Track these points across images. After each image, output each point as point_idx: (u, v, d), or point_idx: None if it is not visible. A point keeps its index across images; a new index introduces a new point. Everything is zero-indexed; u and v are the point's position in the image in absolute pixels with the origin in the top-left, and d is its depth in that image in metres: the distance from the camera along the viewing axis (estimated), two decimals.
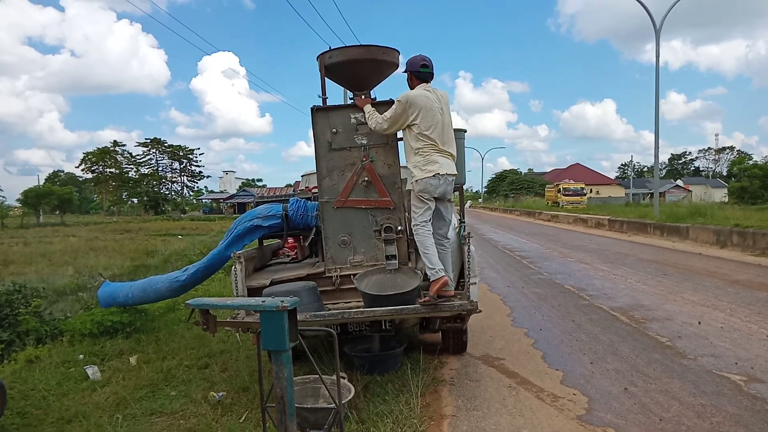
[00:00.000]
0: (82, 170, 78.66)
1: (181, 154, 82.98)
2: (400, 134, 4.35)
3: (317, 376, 4.01)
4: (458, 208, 5.26)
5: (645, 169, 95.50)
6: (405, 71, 4.36)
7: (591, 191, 56.06)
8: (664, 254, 12.14)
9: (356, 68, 4.57)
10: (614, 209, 28.01)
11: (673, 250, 13.03)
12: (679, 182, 76.77)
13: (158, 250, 18.01)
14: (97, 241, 24.02)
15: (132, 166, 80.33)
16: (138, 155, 79.71)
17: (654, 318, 6.10)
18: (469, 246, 4.20)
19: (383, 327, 4.36)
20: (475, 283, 4.27)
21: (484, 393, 4.08)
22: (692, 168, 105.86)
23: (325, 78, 4.62)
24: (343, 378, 3.93)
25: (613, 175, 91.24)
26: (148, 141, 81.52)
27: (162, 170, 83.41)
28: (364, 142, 4.43)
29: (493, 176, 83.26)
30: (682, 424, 3.41)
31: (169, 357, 5.26)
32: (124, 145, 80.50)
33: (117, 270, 12.62)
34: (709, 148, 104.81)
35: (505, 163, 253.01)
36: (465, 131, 4.74)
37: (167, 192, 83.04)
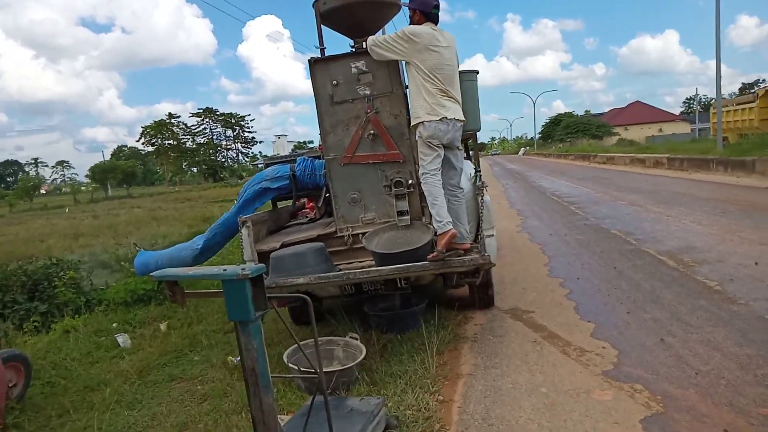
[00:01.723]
0: (143, 144, 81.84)
1: (233, 121, 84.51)
2: (407, 82, 4.06)
3: (329, 338, 3.94)
4: (476, 156, 4.89)
5: (713, 101, 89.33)
6: (410, 6, 4.00)
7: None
8: (725, 191, 11.28)
9: (354, 13, 4.26)
10: (674, 146, 26.31)
11: (736, 186, 12.08)
12: None
13: (215, 216, 18.59)
14: (159, 211, 25.05)
15: (188, 137, 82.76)
16: (193, 125, 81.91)
17: (705, 261, 5.63)
18: (483, 196, 3.90)
19: (399, 285, 4.17)
20: (492, 235, 4.01)
21: (506, 349, 3.85)
22: None
23: (322, 27, 4.34)
24: (356, 338, 3.81)
25: (678, 111, 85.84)
26: (201, 111, 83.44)
27: (216, 139, 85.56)
28: (368, 92, 4.15)
29: (547, 121, 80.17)
30: (721, 377, 3.08)
31: (197, 323, 5.33)
32: (179, 117, 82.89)
33: (176, 237, 13.05)
34: None
35: (560, 107, 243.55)
36: (477, 72, 4.36)
37: (223, 159, 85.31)
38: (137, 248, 6.78)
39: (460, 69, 4.26)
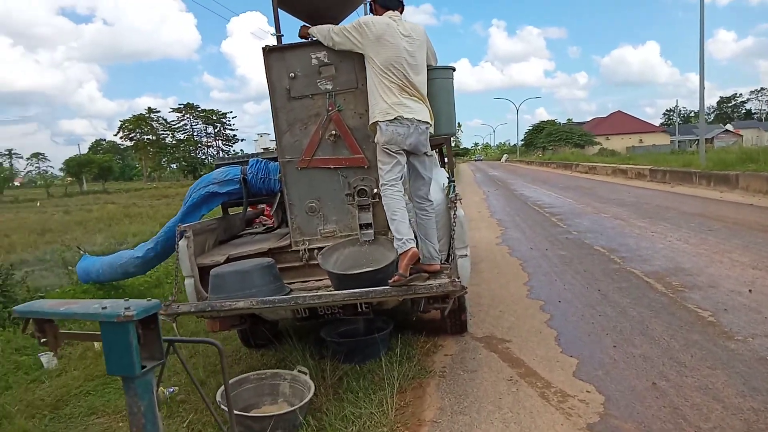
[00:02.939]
0: (121, 138, 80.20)
1: (215, 118, 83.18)
2: None
3: (275, 371, 3.40)
4: (450, 164, 4.39)
5: (692, 114, 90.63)
6: (371, 3, 3.55)
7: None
8: (710, 206, 10.97)
9: None
10: (656, 158, 26.22)
11: (720, 201, 11.80)
12: (729, 127, 72.24)
13: None
14: (134, 207, 24.14)
15: (168, 132, 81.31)
16: (172, 121, 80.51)
17: (695, 285, 5.21)
18: (456, 210, 3.41)
19: (359, 309, 3.66)
20: (465, 255, 3.50)
21: (478, 389, 3.35)
22: (743, 111, 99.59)
23: (279, 11, 3.81)
24: (304, 373, 3.28)
25: (657, 122, 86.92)
26: (182, 106, 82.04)
27: (197, 135, 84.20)
28: (329, 87, 3.64)
29: (530, 128, 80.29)
30: None
31: None
32: (158, 112, 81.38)
33: (146, 236, 12.39)
34: (762, 89, 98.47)
35: (543, 114, 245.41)
36: (453, 69, 3.87)
37: (203, 156, 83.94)
38: (81, 252, 6.17)
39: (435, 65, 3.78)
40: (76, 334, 2.14)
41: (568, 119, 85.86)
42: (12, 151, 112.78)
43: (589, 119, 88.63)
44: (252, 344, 4.32)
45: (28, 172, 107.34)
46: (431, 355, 3.97)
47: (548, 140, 66.15)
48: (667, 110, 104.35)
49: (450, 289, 3.01)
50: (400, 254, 3.14)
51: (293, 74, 3.64)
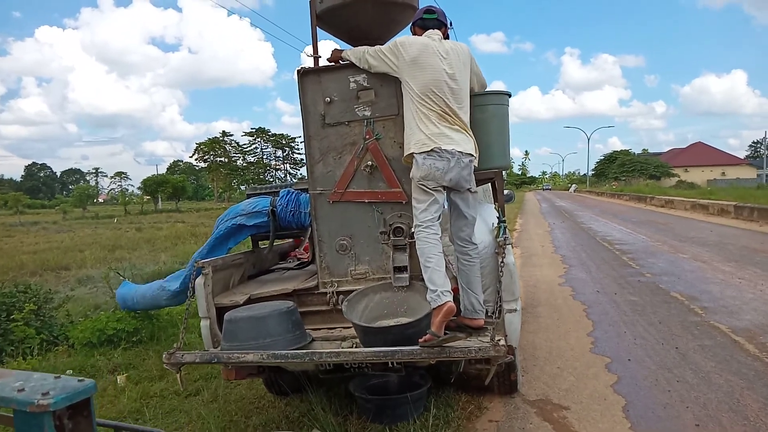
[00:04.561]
0: (196, 160, 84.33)
1: (284, 142, 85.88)
2: None
3: None
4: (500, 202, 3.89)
5: None
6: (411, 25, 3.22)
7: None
8: None
9: (357, 15, 3.43)
10: (742, 193, 24.22)
11: None
12: None
13: None
14: (201, 227, 24.85)
15: (239, 155, 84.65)
16: (244, 144, 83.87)
17: None
18: (504, 256, 2.92)
19: (390, 365, 3.21)
20: (514, 310, 2.99)
21: None
22: None
23: (317, 30, 3.51)
24: None
25: (742, 155, 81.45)
26: (254, 130, 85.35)
27: (266, 158, 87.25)
28: (368, 113, 3.29)
29: (602, 158, 77.38)
30: None
31: (162, 377, 4.49)
32: (231, 135, 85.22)
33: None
34: None
35: (616, 144, 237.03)
36: (509, 94, 3.42)
37: (271, 179, 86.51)
38: (120, 277, 6.07)
39: (488, 89, 3.36)
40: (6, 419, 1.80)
41: (644, 149, 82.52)
42: (98, 170, 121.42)
43: (666, 150, 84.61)
44: (277, 391, 3.94)
45: (111, 189, 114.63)
46: (473, 420, 3.45)
47: (621, 171, 63.32)
48: (753, 142, 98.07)
49: (492, 354, 2.51)
50: (434, 309, 2.69)
51: (329, 99, 3.32)
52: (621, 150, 77.79)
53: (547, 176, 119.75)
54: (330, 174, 3.38)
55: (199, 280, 3.29)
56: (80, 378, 1.36)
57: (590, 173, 75.30)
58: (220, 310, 3.31)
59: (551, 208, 30.53)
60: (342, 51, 3.25)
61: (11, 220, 40.57)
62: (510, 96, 3.45)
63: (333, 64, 3.33)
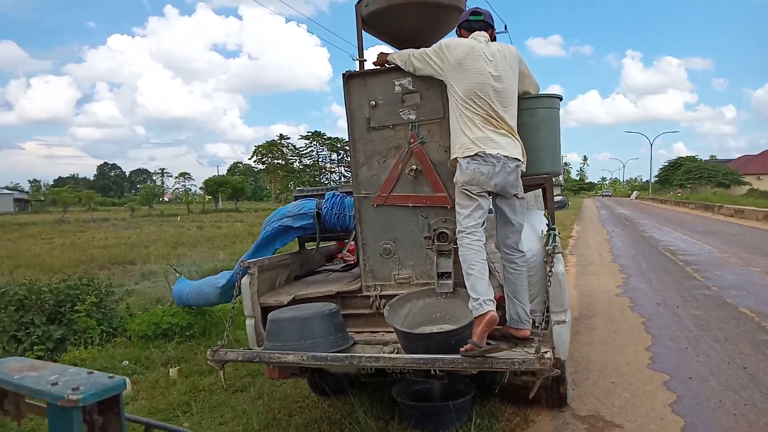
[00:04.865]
0: (255, 162, 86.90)
1: (339, 145, 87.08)
2: None
3: None
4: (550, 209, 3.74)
5: None
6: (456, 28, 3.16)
7: None
8: None
9: (402, 18, 3.41)
10: None
11: None
12: None
13: None
14: (258, 227, 25.44)
15: (296, 158, 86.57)
16: (301, 147, 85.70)
17: None
18: (553, 265, 2.79)
19: (433, 372, 3.14)
20: (563, 321, 2.86)
21: None
22: None
23: (362, 33, 3.50)
24: None
25: None
26: (310, 134, 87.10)
27: (322, 161, 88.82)
28: (413, 117, 3.24)
29: (666, 164, 74.00)
30: None
31: (211, 372, 4.58)
32: (288, 138, 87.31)
33: None
34: None
35: (681, 150, 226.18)
36: (560, 98, 3.29)
37: (327, 182, 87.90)
38: (177, 273, 6.27)
39: (540, 92, 3.25)
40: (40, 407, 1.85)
41: (711, 156, 78.38)
42: (164, 170, 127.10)
43: (736, 156, 79.89)
44: (321, 392, 3.95)
45: (176, 188, 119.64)
46: None
47: (686, 178, 60.24)
48: None
49: (536, 367, 2.40)
50: (476, 318, 2.61)
51: (374, 102, 3.30)
52: (687, 156, 74.00)
53: (606, 182, 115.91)
54: (374, 177, 3.35)
55: (245, 280, 3.34)
56: (110, 375, 1.39)
57: (653, 180, 72.19)
58: (266, 310, 3.34)
59: (610, 215, 29.47)
60: (388, 54, 3.22)
61: (84, 216, 43.06)
62: (561, 99, 3.32)
63: (379, 67, 3.31)
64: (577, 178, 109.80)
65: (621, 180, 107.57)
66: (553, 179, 3.40)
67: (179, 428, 1.53)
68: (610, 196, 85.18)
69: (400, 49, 3.30)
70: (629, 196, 71.49)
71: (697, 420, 3.43)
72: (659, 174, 72.35)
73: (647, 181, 78.90)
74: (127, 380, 4.24)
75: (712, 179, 56.28)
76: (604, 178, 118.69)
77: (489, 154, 2.73)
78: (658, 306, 6.66)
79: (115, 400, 1.34)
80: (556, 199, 5.82)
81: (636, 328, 5.70)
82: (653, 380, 4.17)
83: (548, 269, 2.83)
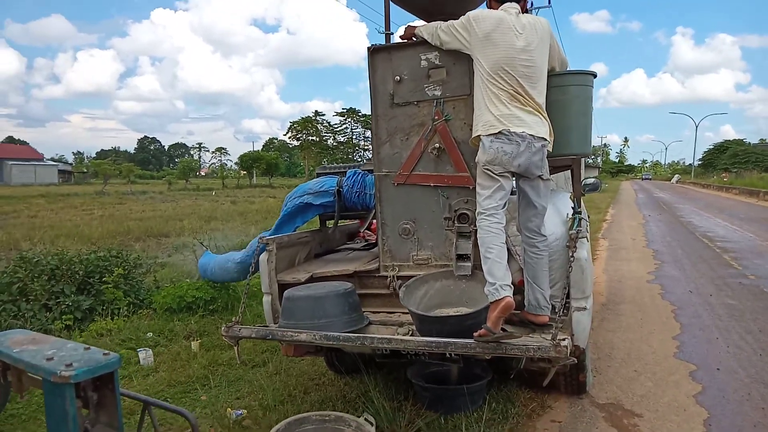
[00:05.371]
0: (289, 138, 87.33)
1: None
2: None
3: (340, 414, 2.99)
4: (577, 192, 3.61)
5: None
6: None
7: None
8: None
9: None
10: None
11: None
12: None
13: None
14: None
15: (330, 134, 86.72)
16: (335, 124, 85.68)
17: None
18: (575, 250, 2.70)
19: (449, 355, 3.10)
20: (584, 308, 2.78)
21: None
22: None
23: (390, 5, 3.41)
24: (371, 423, 2.82)
25: None
26: (345, 111, 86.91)
27: (356, 138, 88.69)
28: (438, 93, 3.15)
29: (711, 147, 71.29)
30: None
31: (231, 346, 4.65)
32: (323, 115, 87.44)
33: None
34: None
35: (729, 132, 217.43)
36: (594, 74, 3.14)
37: (360, 159, 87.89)
38: (204, 247, 6.36)
39: (569, 69, 3.12)
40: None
41: (761, 139, 74.91)
42: (201, 145, 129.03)
43: None
44: (337, 370, 3.97)
45: (212, 163, 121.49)
46: (534, 419, 3.28)
47: (732, 162, 57.88)
48: None
49: (552, 354, 2.34)
50: (491, 303, 2.54)
51: (399, 77, 3.22)
52: (734, 139, 71.29)
53: (647, 165, 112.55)
54: (396, 155, 3.29)
55: (263, 256, 3.35)
56: (105, 351, 1.40)
57: (696, 163, 69.77)
58: (283, 287, 3.35)
59: (648, 199, 28.67)
60: (415, 27, 3.13)
61: (123, 188, 44.22)
62: (595, 76, 3.16)
63: (405, 41, 3.22)
64: (617, 160, 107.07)
65: (662, 163, 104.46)
66: (590, 161, 3.27)
67: (176, 407, 1.55)
68: (650, 179, 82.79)
69: (428, 22, 3.20)
70: (670, 180, 69.30)
71: (721, 413, 3.32)
72: (703, 157, 69.90)
73: (690, 164, 76.41)
74: (149, 351, 4.38)
75: (760, 164, 53.99)
76: (644, 161, 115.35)
77: (513, 132, 2.63)
78: (690, 294, 6.45)
79: (110, 377, 1.34)
80: (589, 181, 5.65)
81: (665, 316, 5.54)
82: (678, 370, 4.05)
83: (570, 254, 2.74)
